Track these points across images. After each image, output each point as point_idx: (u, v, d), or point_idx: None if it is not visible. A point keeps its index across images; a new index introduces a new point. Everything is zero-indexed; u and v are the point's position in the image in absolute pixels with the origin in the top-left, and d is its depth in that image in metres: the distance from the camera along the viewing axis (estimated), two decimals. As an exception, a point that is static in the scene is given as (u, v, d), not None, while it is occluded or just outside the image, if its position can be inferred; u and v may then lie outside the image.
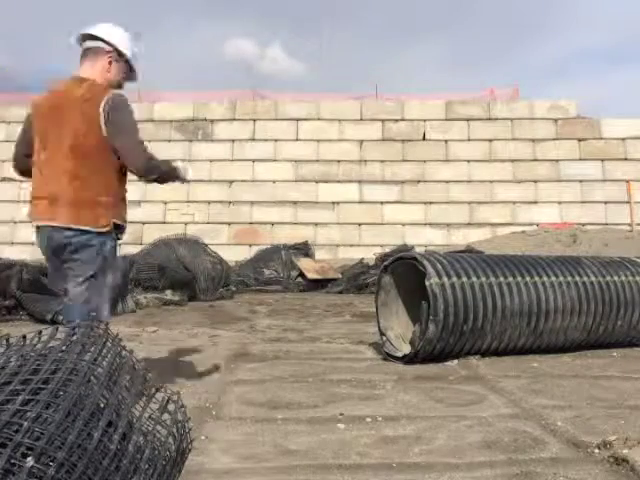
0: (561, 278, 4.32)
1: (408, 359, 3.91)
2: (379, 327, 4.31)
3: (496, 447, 2.33)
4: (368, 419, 2.69)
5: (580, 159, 14.82)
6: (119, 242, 2.76)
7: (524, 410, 2.85)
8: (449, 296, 3.84)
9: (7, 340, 1.43)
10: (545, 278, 4.26)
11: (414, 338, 3.96)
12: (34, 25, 54.07)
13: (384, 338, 4.21)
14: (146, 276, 7.72)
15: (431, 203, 14.90)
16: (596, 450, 2.27)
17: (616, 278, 4.51)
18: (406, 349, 4.03)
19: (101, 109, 2.54)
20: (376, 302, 4.43)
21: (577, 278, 4.37)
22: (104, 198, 2.60)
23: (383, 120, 15.39)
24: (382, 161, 15.15)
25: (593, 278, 4.43)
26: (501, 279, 4.10)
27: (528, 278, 4.20)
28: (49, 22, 56.49)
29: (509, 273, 4.16)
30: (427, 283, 3.83)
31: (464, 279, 3.97)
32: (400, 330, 4.30)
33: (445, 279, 3.89)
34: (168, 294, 7.72)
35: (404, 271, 4.25)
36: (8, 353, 1.36)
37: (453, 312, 3.84)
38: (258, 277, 10.50)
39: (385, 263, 4.43)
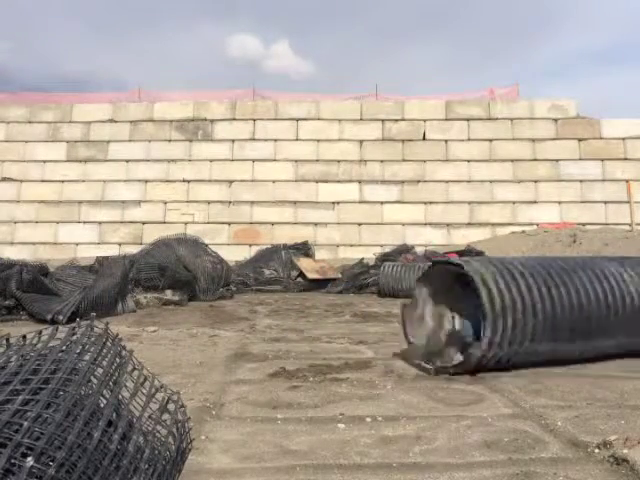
0: (623, 340, 3.96)
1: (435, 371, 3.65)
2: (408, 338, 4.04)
3: (496, 447, 2.33)
4: (368, 419, 2.69)
5: (580, 159, 14.83)
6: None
7: (524, 410, 2.85)
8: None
9: (7, 340, 1.43)
10: (610, 343, 3.92)
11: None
12: (34, 25, 54.14)
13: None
14: (146, 276, 7.73)
15: (431, 203, 14.91)
16: (596, 450, 2.27)
17: None
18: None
19: None
20: (405, 315, 4.10)
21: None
22: None
23: (383, 120, 15.40)
24: (382, 161, 15.16)
25: None
26: (566, 347, 3.78)
27: (591, 346, 3.86)
28: (49, 22, 56.55)
29: (578, 334, 3.77)
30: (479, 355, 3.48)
31: (527, 343, 3.58)
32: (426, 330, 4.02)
33: (502, 350, 3.53)
34: (168, 294, 7.72)
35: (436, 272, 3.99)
36: (8, 353, 1.36)
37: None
38: (258, 277, 10.51)
39: (424, 272, 4.10)
